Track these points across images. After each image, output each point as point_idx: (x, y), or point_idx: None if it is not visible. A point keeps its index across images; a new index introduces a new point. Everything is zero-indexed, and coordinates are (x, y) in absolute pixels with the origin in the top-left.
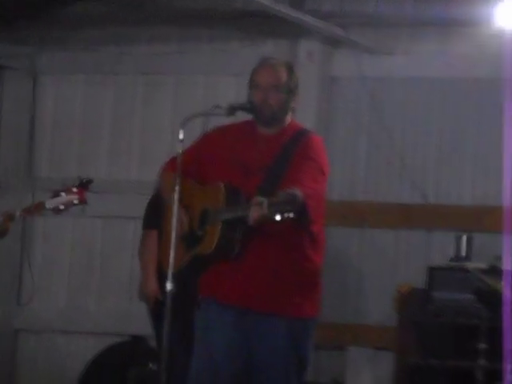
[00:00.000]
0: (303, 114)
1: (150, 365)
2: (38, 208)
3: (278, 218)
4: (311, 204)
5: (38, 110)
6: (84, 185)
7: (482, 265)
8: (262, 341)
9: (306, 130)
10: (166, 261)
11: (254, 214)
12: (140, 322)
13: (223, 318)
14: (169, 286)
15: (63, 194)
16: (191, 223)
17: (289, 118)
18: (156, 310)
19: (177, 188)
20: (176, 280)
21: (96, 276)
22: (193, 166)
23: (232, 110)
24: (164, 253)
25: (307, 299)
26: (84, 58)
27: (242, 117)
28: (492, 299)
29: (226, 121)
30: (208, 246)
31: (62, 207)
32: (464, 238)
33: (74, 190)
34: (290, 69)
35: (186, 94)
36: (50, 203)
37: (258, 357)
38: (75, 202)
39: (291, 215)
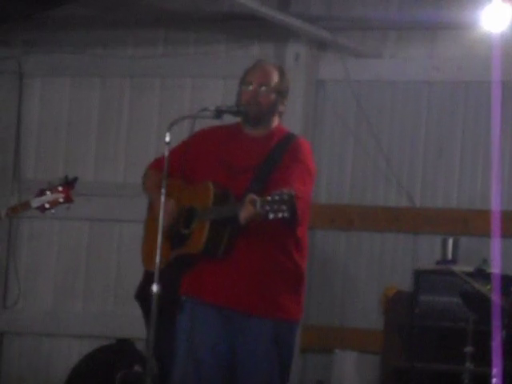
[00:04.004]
0: (290, 118)
1: (136, 367)
2: (23, 207)
3: (271, 216)
4: (300, 206)
5: (25, 112)
6: (69, 183)
7: (469, 268)
8: (246, 342)
9: (294, 134)
10: (148, 259)
11: (246, 211)
12: (126, 325)
13: (208, 319)
14: (155, 287)
15: (48, 192)
16: (177, 221)
17: (276, 121)
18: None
19: (163, 190)
20: (160, 279)
21: (82, 278)
22: (178, 165)
23: (219, 112)
24: (147, 251)
25: (292, 301)
26: (70, 61)
27: (230, 120)
28: (478, 302)
29: (214, 123)
30: (196, 245)
31: (47, 206)
32: (450, 241)
33: (60, 188)
34: (282, 72)
35: (172, 96)
36: (35, 202)
37: (243, 358)
38: (61, 200)
39: (286, 215)
